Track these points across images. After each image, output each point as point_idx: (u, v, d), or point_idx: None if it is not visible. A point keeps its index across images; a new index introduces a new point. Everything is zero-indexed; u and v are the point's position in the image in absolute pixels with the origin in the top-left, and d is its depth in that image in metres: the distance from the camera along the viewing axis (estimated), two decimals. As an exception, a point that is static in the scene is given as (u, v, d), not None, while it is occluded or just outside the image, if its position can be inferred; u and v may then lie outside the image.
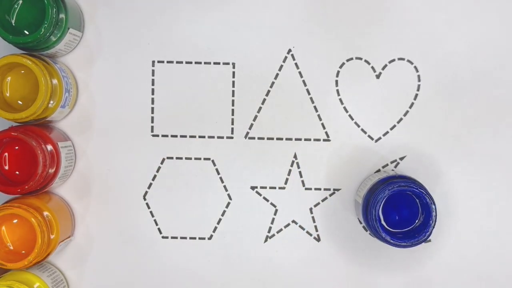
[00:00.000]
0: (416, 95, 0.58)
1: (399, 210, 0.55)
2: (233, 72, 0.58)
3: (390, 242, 0.53)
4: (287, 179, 0.58)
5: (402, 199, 0.55)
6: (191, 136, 0.59)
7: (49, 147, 0.54)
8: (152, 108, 0.58)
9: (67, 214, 0.57)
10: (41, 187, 0.54)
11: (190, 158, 0.59)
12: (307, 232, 0.59)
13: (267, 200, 0.58)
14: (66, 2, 0.54)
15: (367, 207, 0.54)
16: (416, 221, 0.54)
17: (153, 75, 0.58)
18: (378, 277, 0.58)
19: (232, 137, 0.58)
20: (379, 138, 0.58)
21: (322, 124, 0.58)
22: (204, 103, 0.58)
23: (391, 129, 0.58)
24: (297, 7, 0.58)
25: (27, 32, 0.53)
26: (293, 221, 0.59)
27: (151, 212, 0.59)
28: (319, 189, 0.58)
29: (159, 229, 0.59)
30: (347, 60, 0.58)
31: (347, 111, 0.58)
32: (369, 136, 0.58)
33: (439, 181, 0.58)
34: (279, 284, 0.58)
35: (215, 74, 0.58)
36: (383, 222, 0.55)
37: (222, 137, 0.58)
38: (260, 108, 0.58)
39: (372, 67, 0.58)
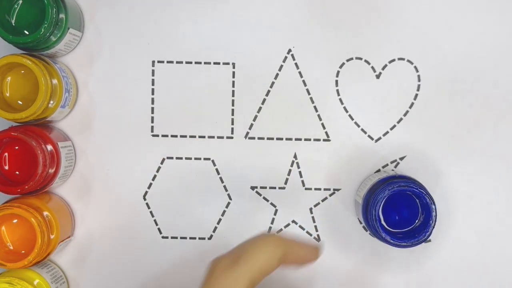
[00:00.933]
0: (416, 95, 0.58)
1: (399, 210, 0.55)
2: (233, 72, 0.58)
3: (390, 242, 0.53)
4: (287, 179, 0.58)
5: (402, 199, 0.54)
6: (191, 136, 0.58)
7: (49, 147, 0.53)
8: (152, 108, 0.58)
9: (67, 214, 0.57)
10: (41, 187, 0.54)
11: (190, 158, 0.58)
12: (307, 232, 0.58)
13: (267, 200, 0.58)
14: (66, 2, 0.54)
15: (367, 207, 0.54)
16: (416, 221, 0.54)
17: (153, 75, 0.58)
18: (378, 277, 0.58)
19: (232, 137, 0.58)
20: (379, 138, 0.58)
21: (322, 124, 0.58)
22: (204, 103, 0.58)
23: (391, 129, 0.58)
24: (297, 7, 0.58)
25: (27, 32, 0.53)
26: (293, 221, 0.59)
27: (151, 212, 0.59)
28: (319, 189, 0.58)
29: (159, 229, 0.59)
30: (347, 60, 0.58)
31: (347, 111, 0.58)
32: (369, 136, 0.58)
33: (439, 181, 0.58)
34: (279, 284, 0.58)
35: (215, 74, 0.58)
36: (383, 222, 0.54)
37: (222, 137, 0.58)
38: (260, 108, 0.58)
39: (372, 67, 0.58)
